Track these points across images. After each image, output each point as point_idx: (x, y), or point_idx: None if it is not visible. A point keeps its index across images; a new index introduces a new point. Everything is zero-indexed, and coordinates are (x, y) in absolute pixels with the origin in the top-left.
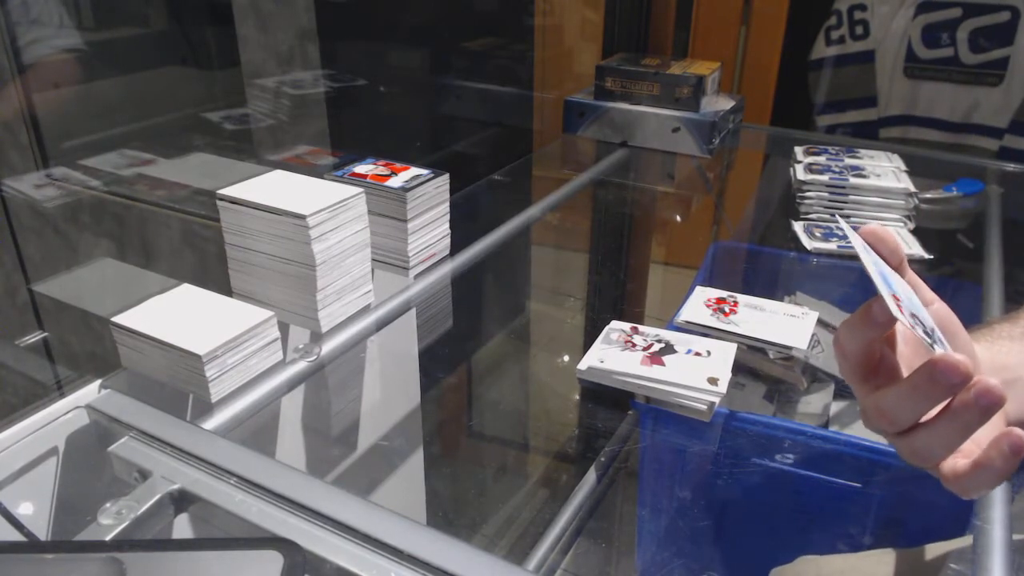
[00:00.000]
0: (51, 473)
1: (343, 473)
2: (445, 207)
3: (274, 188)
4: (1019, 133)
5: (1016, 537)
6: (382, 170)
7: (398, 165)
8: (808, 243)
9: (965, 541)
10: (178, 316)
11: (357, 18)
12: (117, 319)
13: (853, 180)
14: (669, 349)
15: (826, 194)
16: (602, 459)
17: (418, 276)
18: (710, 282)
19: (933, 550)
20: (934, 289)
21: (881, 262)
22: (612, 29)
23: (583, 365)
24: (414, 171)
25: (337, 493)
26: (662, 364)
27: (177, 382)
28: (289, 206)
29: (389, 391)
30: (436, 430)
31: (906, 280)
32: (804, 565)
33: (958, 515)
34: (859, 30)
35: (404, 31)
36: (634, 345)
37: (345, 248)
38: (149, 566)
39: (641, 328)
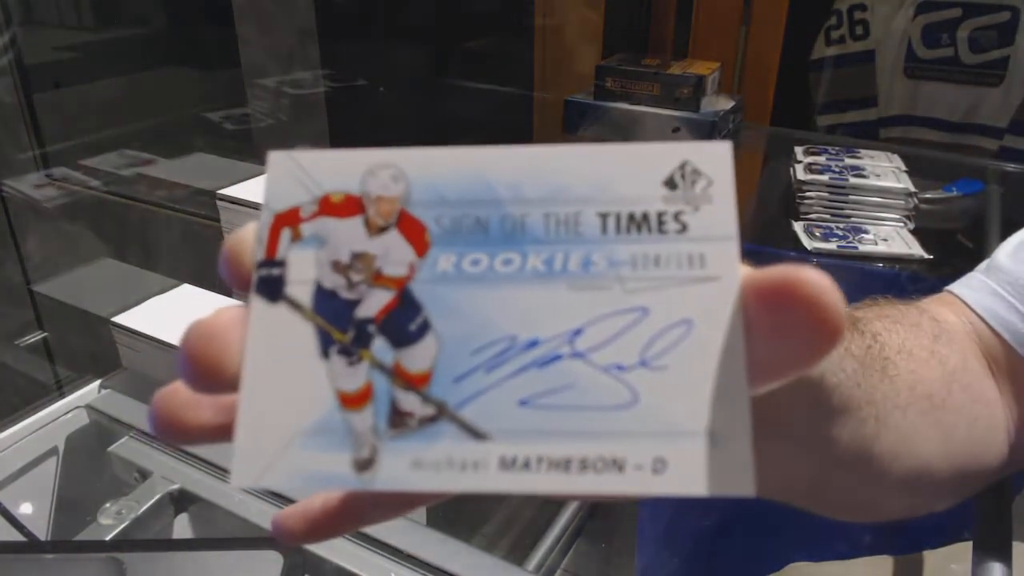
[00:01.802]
0: (51, 473)
1: None
2: None
3: None
4: (1019, 133)
5: (1017, 543)
6: None
7: None
8: (808, 243)
9: (964, 547)
10: (178, 316)
11: (357, 18)
12: (117, 319)
13: (853, 180)
14: None
15: (826, 194)
16: None
17: None
18: None
19: (931, 556)
20: (933, 290)
21: None
22: (612, 29)
23: None
24: None
25: None
26: None
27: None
28: None
29: None
30: None
31: None
32: (797, 572)
33: (957, 519)
34: (859, 30)
35: (404, 31)
36: None
37: None
38: (149, 566)
39: None
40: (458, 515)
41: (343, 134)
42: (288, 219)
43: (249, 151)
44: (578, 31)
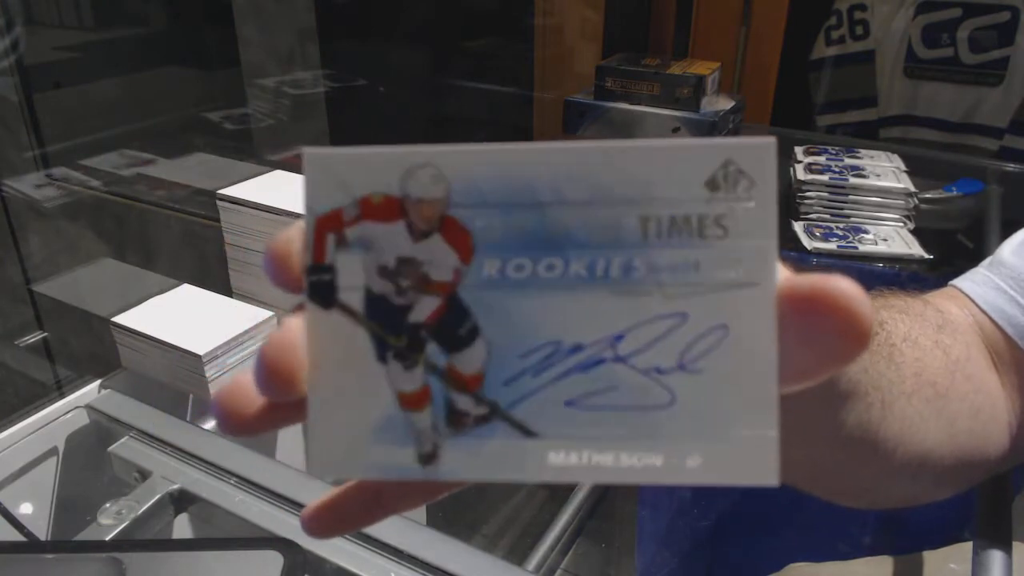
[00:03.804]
0: (51, 473)
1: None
2: None
3: (274, 188)
4: (1019, 133)
5: (1017, 543)
6: None
7: None
8: (808, 243)
9: (963, 547)
10: (178, 316)
11: (357, 18)
12: (117, 319)
13: (853, 180)
14: None
15: (826, 194)
16: None
17: None
18: None
19: (931, 556)
20: (934, 289)
21: None
22: (612, 29)
23: None
24: None
25: None
26: None
27: (177, 382)
28: (289, 206)
29: None
30: None
31: None
32: (797, 572)
33: (956, 519)
34: (859, 30)
35: (404, 31)
36: None
37: None
38: (149, 566)
39: None
40: (458, 515)
41: (343, 134)
42: (331, 223)
43: (249, 151)
44: (578, 31)
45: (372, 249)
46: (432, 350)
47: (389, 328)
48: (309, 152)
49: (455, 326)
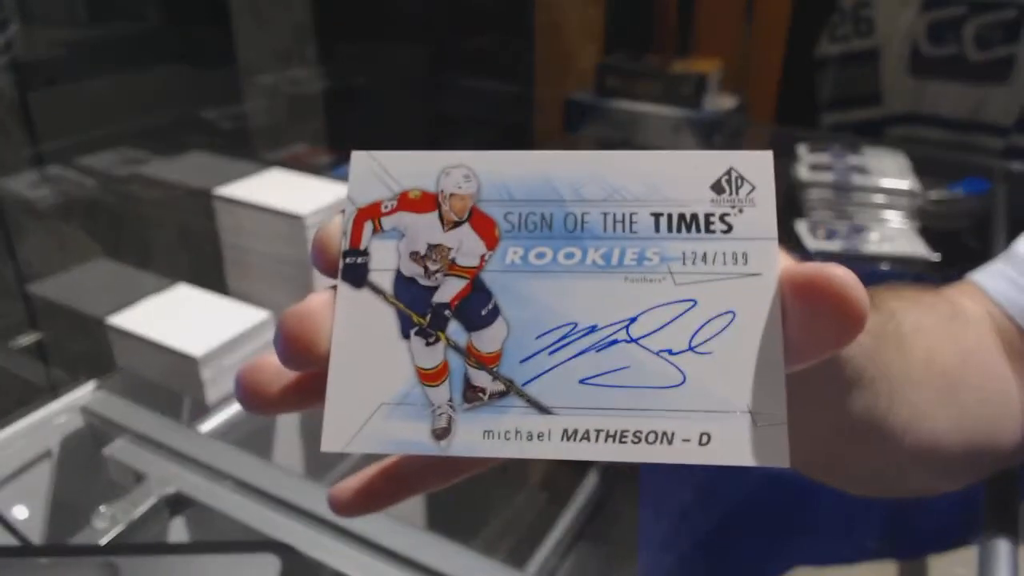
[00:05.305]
0: (45, 476)
1: (340, 476)
2: None
3: (271, 187)
4: None
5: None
6: None
7: None
8: (811, 243)
9: (969, 552)
10: (174, 317)
11: (355, 16)
12: (112, 320)
13: (857, 179)
14: None
15: (830, 193)
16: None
17: None
18: None
19: (936, 561)
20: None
21: None
22: (613, 26)
23: None
24: None
25: None
26: None
27: (173, 384)
28: (286, 206)
29: None
30: None
31: None
32: None
33: (962, 524)
34: (864, 27)
35: (403, 29)
36: None
37: None
38: (144, 571)
39: None
40: (458, 518)
41: (340, 132)
42: (370, 213)
43: (246, 149)
44: (579, 29)
45: (406, 236)
46: (454, 328)
47: (415, 307)
48: (356, 153)
49: (478, 307)
